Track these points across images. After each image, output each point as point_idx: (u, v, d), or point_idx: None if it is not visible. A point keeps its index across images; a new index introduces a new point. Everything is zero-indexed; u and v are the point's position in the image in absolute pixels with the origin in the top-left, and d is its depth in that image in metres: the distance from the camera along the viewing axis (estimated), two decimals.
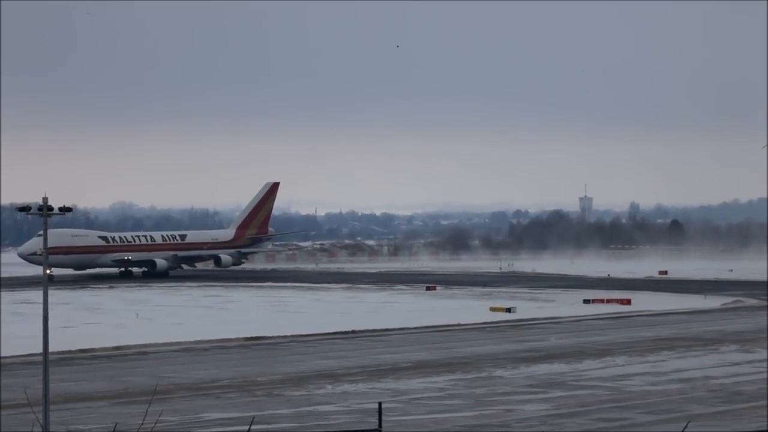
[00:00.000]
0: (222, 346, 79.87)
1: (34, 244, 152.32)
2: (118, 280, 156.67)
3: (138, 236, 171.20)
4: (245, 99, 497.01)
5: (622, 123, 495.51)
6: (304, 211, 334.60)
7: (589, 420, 49.33)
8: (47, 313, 42.12)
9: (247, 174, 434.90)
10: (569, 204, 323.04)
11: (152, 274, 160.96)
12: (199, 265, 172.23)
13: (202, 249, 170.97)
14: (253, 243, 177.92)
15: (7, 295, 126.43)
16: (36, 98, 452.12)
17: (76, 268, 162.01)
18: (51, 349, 43.17)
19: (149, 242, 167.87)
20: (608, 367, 67.66)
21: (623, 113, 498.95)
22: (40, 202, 41.52)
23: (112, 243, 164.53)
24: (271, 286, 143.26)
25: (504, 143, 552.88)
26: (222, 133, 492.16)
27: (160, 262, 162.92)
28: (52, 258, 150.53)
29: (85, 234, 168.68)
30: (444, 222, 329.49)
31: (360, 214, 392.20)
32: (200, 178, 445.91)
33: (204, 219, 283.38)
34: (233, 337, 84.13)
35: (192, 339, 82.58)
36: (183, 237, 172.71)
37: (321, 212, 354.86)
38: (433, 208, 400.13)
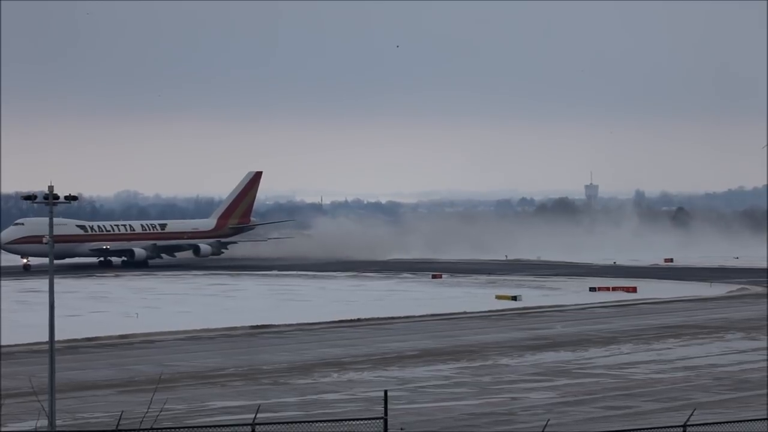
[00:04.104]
0: (227, 335, 79.97)
1: (11, 232, 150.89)
2: (99, 270, 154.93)
3: (117, 225, 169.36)
4: (251, 87, 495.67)
5: (628, 110, 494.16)
6: (309, 200, 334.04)
7: (595, 408, 49.36)
8: (53, 302, 42.12)
9: (252, 162, 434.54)
10: (575, 191, 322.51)
11: (131, 264, 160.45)
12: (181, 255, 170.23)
13: (182, 238, 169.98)
14: (234, 233, 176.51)
15: (13, 284, 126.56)
16: (40, 86, 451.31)
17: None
18: (57, 337, 43.19)
19: (128, 231, 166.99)
20: (614, 355, 67.67)
21: (628, 101, 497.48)
22: (46, 190, 41.53)
23: (90, 232, 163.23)
24: (276, 275, 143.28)
25: (509, 131, 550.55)
26: (227, 121, 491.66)
27: (139, 252, 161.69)
28: (29, 247, 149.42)
29: (63, 223, 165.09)
30: (449, 210, 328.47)
31: (365, 202, 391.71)
32: (205, 166, 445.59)
33: (209, 207, 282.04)
34: (239, 325, 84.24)
35: (198, 327, 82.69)
36: (163, 226, 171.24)
37: (326, 200, 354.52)
38: (438, 196, 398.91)
